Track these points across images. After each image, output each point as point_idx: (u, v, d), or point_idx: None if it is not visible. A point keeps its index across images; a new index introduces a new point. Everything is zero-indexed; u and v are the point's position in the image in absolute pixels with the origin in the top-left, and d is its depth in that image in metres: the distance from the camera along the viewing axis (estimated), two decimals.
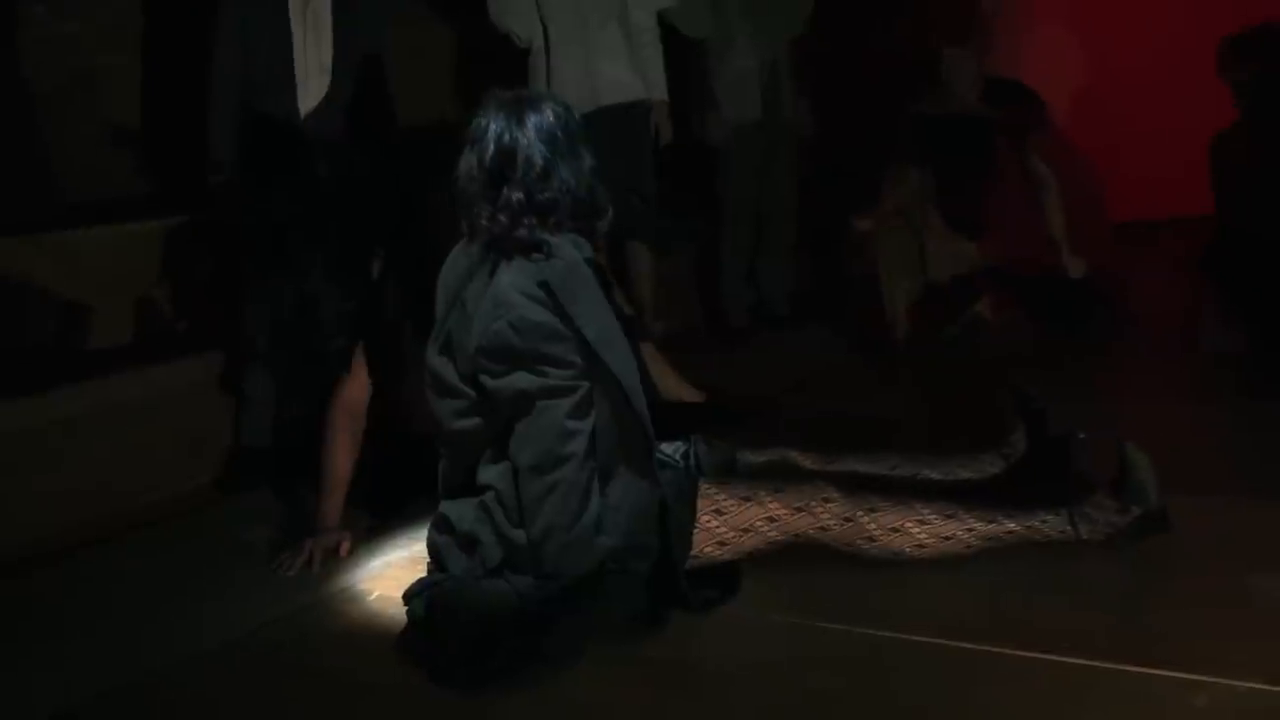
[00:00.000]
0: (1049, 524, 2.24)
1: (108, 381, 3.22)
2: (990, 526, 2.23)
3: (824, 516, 2.24)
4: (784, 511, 2.24)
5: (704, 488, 2.27)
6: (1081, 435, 2.47)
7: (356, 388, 2.74)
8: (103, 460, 3.11)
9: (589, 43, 3.51)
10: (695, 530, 2.23)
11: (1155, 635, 2.01)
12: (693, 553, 2.25)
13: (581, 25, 3.51)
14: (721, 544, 2.26)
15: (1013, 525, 2.23)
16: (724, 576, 2.28)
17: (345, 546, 2.70)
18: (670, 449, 2.41)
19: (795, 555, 2.30)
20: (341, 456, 2.72)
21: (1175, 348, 3.53)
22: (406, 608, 2.24)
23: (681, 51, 3.75)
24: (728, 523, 2.25)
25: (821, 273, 4.45)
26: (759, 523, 2.25)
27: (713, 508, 2.25)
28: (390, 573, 2.57)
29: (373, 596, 2.48)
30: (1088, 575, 2.24)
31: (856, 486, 2.28)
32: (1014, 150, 3.72)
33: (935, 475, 2.52)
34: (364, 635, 2.31)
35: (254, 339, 3.32)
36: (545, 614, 2.09)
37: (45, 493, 2.98)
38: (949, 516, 2.23)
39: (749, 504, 2.25)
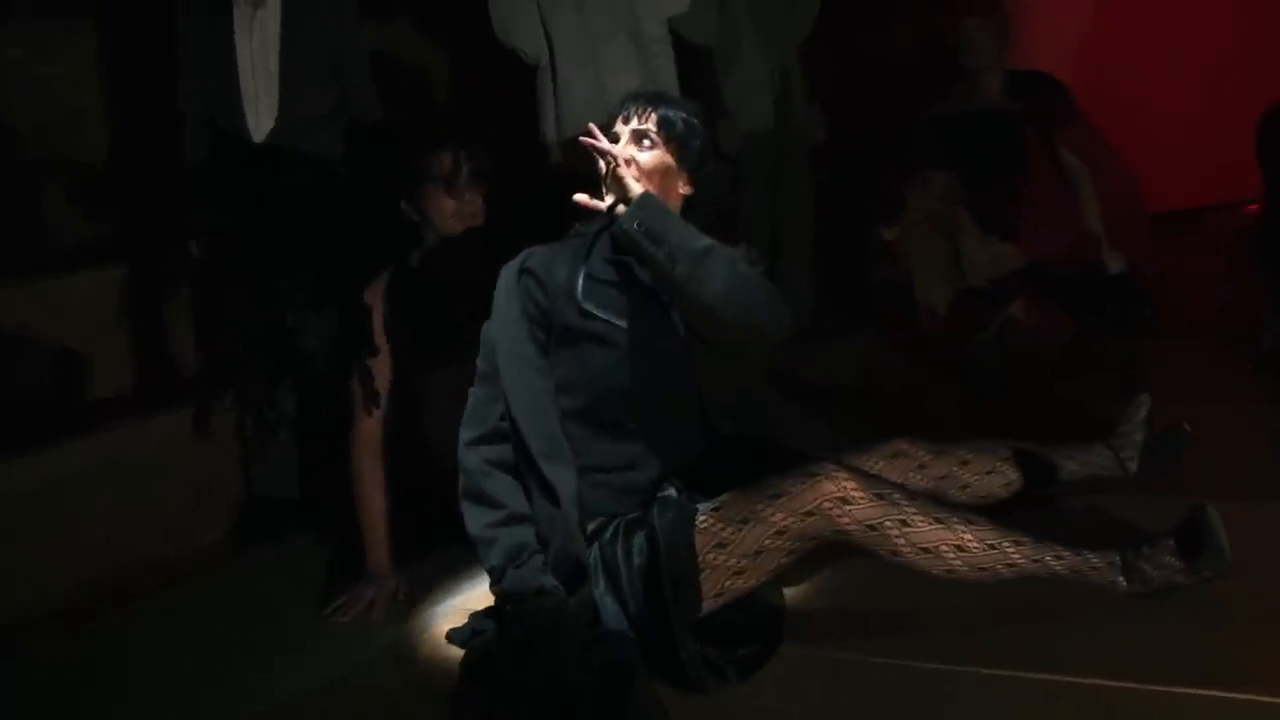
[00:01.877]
0: (1098, 571, 1.97)
1: (107, 434, 3.00)
2: (1034, 565, 1.96)
3: (843, 521, 1.94)
4: (791, 520, 1.95)
5: (700, 520, 2.00)
6: (1188, 428, 2.28)
7: (370, 421, 2.57)
8: (107, 517, 2.90)
9: (597, 58, 3.30)
10: (702, 573, 1.97)
11: (1224, 655, 1.83)
12: (708, 596, 1.99)
13: (588, 40, 3.30)
14: (738, 574, 2.00)
15: (1058, 568, 1.97)
16: (760, 624, 2.05)
17: (403, 590, 2.54)
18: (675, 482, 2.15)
19: (823, 574, 2.15)
20: (375, 495, 2.55)
21: (1222, 342, 3.32)
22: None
23: (686, 59, 3.56)
24: (735, 551, 1.98)
25: (844, 283, 4.21)
26: (768, 540, 1.97)
27: (713, 542, 1.98)
28: (454, 617, 2.35)
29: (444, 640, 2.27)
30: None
31: (886, 488, 1.98)
32: (1043, 144, 3.51)
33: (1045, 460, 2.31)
34: (446, 681, 2.09)
35: (251, 378, 3.10)
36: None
37: (48, 554, 2.76)
38: (991, 547, 1.95)
39: (750, 525, 1.97)
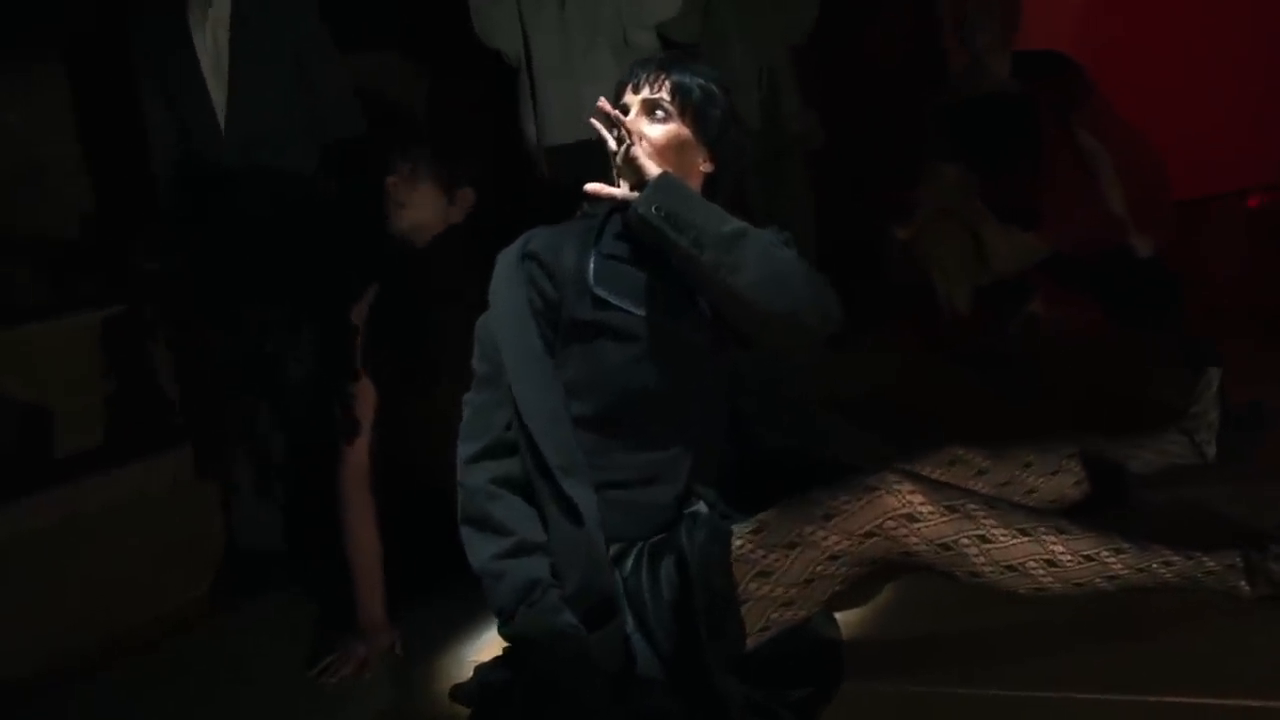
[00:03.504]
0: (1215, 576, 1.71)
1: (74, 488, 2.81)
2: (1139, 576, 1.69)
3: (910, 541, 1.68)
4: (847, 543, 1.70)
5: (737, 545, 1.75)
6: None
7: (358, 453, 2.40)
8: (75, 577, 2.70)
9: (574, 66, 3.09)
10: (744, 605, 1.73)
11: None
12: (751, 631, 1.74)
13: (566, 47, 3.10)
14: (785, 605, 1.74)
15: (1168, 575, 1.69)
16: (814, 660, 1.79)
17: (398, 645, 2.31)
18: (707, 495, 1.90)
19: (882, 594, 1.91)
20: (366, 538, 2.35)
21: (1264, 330, 3.05)
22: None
23: None
24: (781, 580, 1.73)
25: (855, 290, 3.90)
26: (819, 566, 1.72)
27: (755, 571, 1.72)
28: (458, 672, 2.11)
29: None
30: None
31: (957, 497, 1.71)
32: (1058, 126, 3.28)
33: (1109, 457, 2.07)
34: None
35: (227, 418, 2.95)
36: None
37: (7, 619, 2.55)
38: (1087, 558, 1.68)
39: (798, 549, 1.71)
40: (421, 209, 2.50)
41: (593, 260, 1.89)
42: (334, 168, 2.94)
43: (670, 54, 2.02)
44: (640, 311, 1.84)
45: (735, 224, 1.74)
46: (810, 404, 2.42)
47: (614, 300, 1.86)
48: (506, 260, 1.96)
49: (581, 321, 1.86)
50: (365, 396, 2.42)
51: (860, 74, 4.19)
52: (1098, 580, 1.67)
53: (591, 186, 1.79)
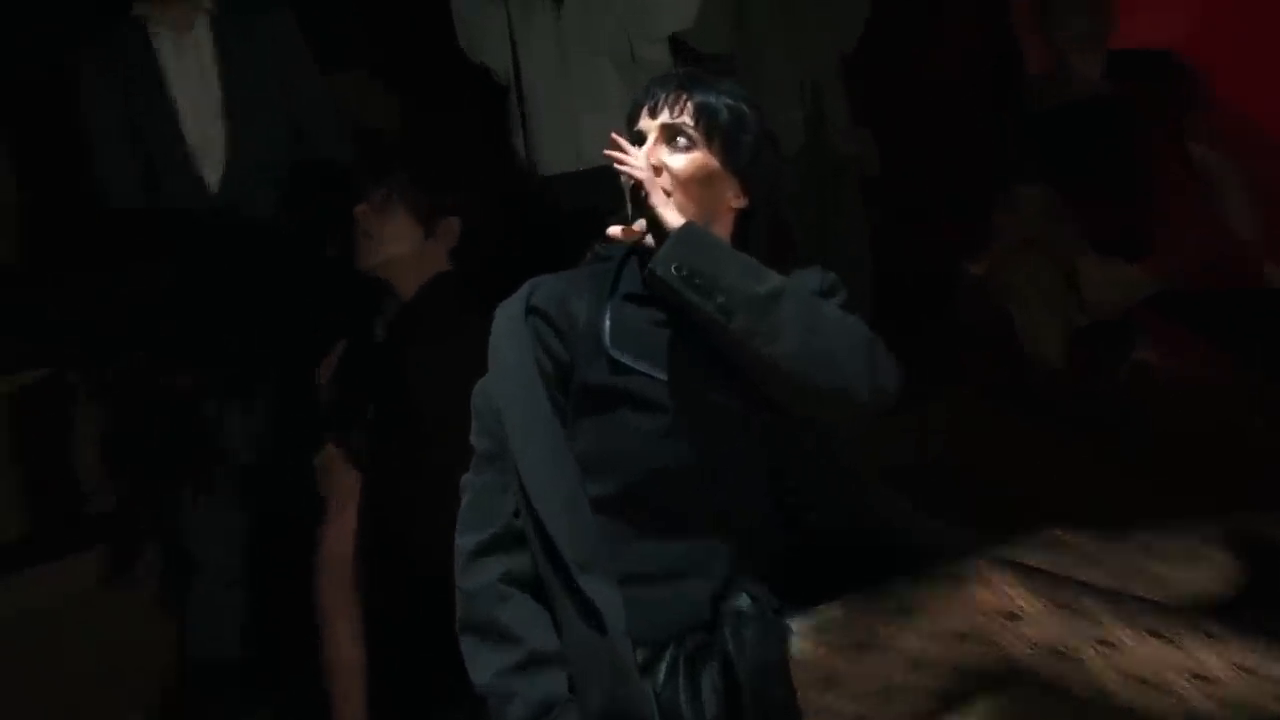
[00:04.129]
0: None
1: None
2: None
3: (1013, 645, 1.56)
4: (933, 647, 1.60)
5: (796, 645, 1.67)
6: None
7: (336, 543, 2.44)
8: None
9: (571, 84, 3.09)
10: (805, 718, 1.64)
11: None
12: None
13: (561, 60, 3.09)
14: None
15: None
16: None
17: None
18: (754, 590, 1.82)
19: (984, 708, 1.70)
20: (347, 647, 2.39)
21: None
22: None
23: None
24: (850, 690, 1.63)
25: (919, 339, 3.77)
26: (899, 675, 1.61)
27: (818, 676, 1.64)
28: None
29: None
30: None
31: (1070, 590, 1.60)
32: (1167, 138, 3.19)
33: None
34: None
35: (170, 502, 2.89)
36: None
37: None
38: (1249, 671, 1.51)
39: (871, 652, 1.62)
40: (395, 242, 2.49)
41: (608, 315, 1.85)
42: (300, 198, 2.96)
43: (691, 71, 1.98)
44: (664, 376, 1.79)
45: (771, 281, 1.70)
46: (870, 475, 2.28)
47: (633, 363, 1.81)
48: (509, 314, 1.90)
49: (596, 387, 1.81)
50: (339, 474, 2.43)
51: (921, 82, 4.02)
52: (1269, 703, 1.48)
53: (613, 231, 1.77)
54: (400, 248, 2.48)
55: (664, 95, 1.87)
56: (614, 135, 1.79)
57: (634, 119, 1.90)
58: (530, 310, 1.88)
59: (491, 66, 3.16)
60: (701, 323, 1.73)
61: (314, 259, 2.81)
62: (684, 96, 1.86)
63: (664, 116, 1.86)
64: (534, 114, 3.10)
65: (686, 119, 1.85)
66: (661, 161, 1.83)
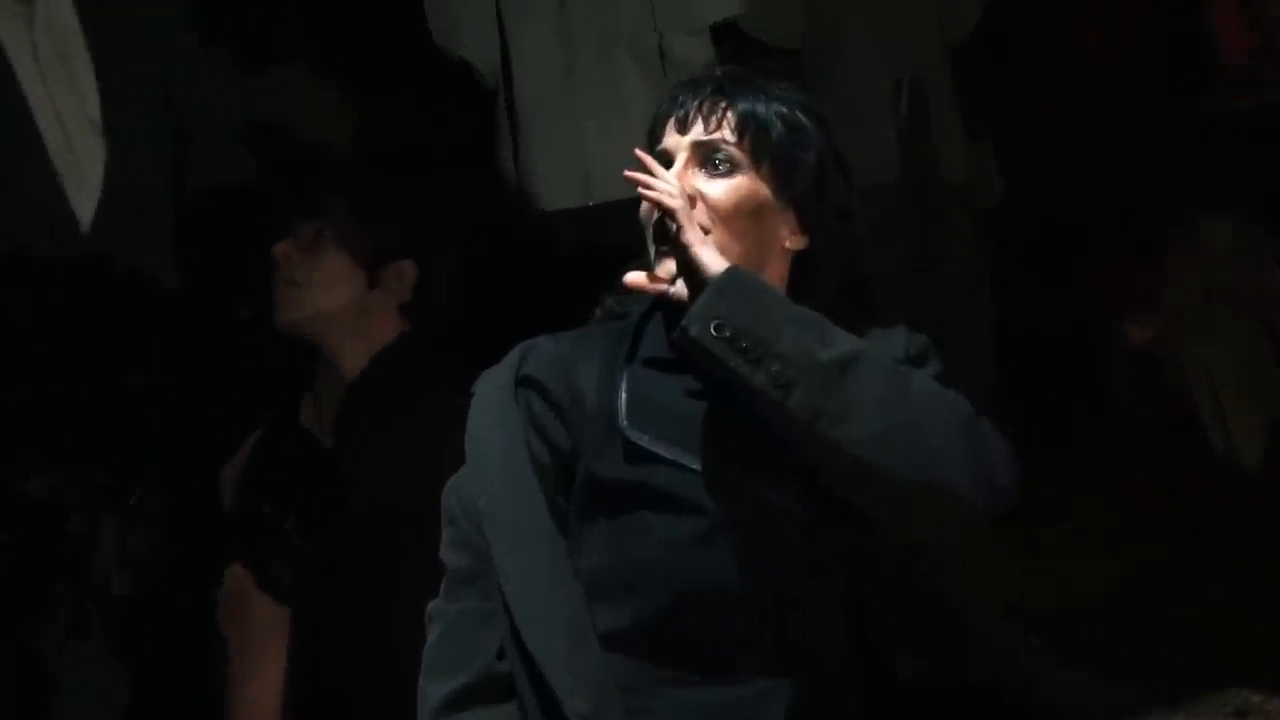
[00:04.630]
0: None
1: None
2: None
3: None
4: None
5: None
6: None
7: (253, 694, 2.34)
8: None
9: (578, 87, 2.98)
10: None
11: None
12: None
13: (567, 56, 2.98)
14: None
15: None
16: None
17: None
18: None
19: None
20: None
21: None
22: None
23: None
24: None
25: (1058, 425, 3.52)
26: None
27: None
28: None
29: None
30: None
31: None
32: None
33: None
34: None
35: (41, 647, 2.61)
36: None
37: None
38: None
39: None
40: (330, 292, 2.31)
41: (624, 387, 1.68)
42: (203, 236, 2.80)
43: (732, 70, 1.79)
44: (699, 465, 1.61)
45: (842, 345, 1.56)
46: (987, 610, 1.94)
47: (659, 448, 1.62)
48: (494, 386, 1.74)
49: (609, 483, 1.63)
50: (252, 608, 2.29)
51: (1064, 79, 3.73)
52: None
53: (632, 278, 1.61)
54: (336, 300, 2.31)
55: (697, 104, 1.71)
56: (638, 152, 1.66)
57: (657, 135, 1.75)
58: (522, 382, 1.71)
59: (473, 63, 3.04)
60: (750, 398, 1.59)
61: (219, 319, 2.68)
62: (723, 104, 1.70)
63: (697, 131, 1.68)
64: (528, 126, 3.02)
65: (727, 134, 1.68)
66: (695, 188, 1.68)
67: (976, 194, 3.52)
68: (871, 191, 3.35)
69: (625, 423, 1.67)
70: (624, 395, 1.70)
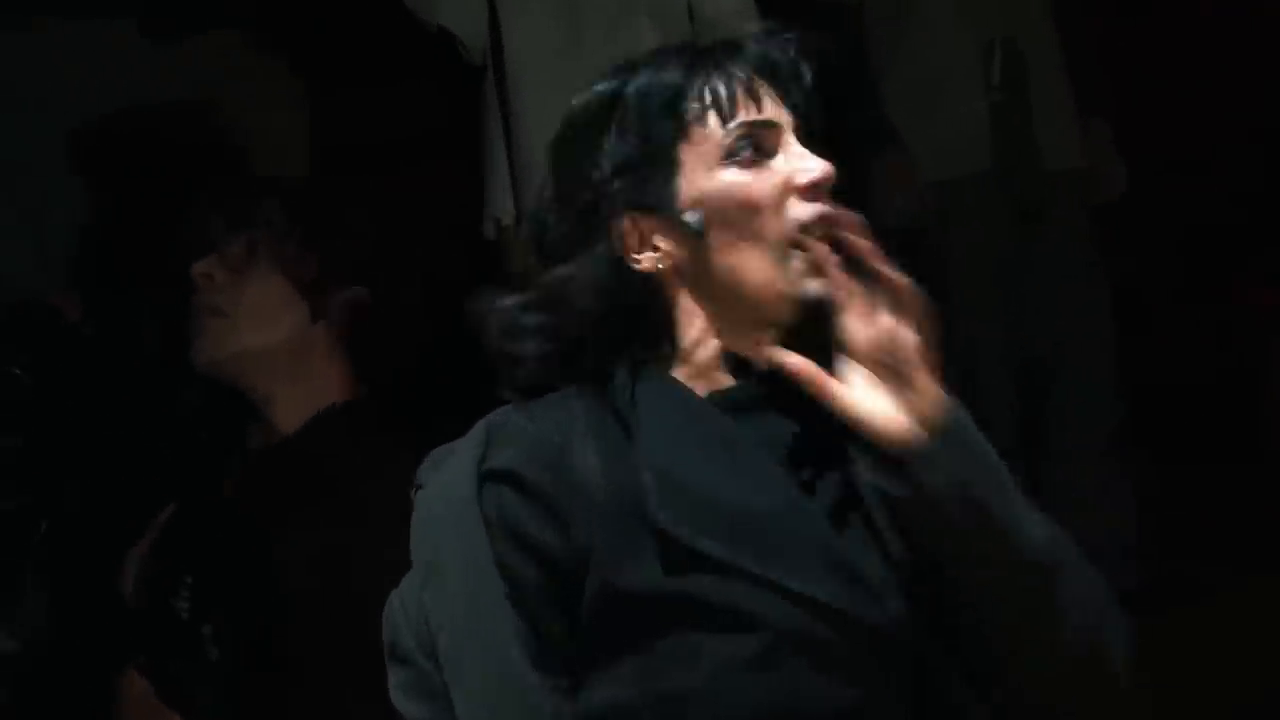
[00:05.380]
0: None
1: None
2: None
3: None
4: None
5: None
6: None
7: None
8: None
9: (585, 57, 2.68)
10: None
11: None
12: None
13: (572, 22, 2.72)
14: None
15: None
16: None
17: None
18: None
19: None
20: None
21: None
22: None
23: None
24: None
25: (1194, 480, 3.09)
26: None
27: None
28: None
29: None
30: None
31: None
32: None
33: None
34: None
35: None
36: None
37: None
38: None
39: None
40: (260, 324, 2.04)
41: (649, 462, 1.33)
42: (98, 256, 2.64)
43: (743, 35, 1.48)
44: (760, 568, 1.29)
45: (1039, 522, 1.26)
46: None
47: (708, 546, 1.29)
48: (447, 485, 1.41)
49: (639, 596, 1.30)
50: None
51: (1209, 43, 3.31)
52: None
53: (793, 362, 1.25)
54: (269, 335, 2.03)
55: (730, 80, 1.39)
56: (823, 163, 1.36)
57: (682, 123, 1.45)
58: (488, 478, 1.35)
59: (456, 33, 2.74)
60: (959, 584, 1.27)
61: (121, 359, 2.39)
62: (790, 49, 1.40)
63: (748, 114, 1.35)
64: (523, 110, 2.73)
65: (785, 113, 1.40)
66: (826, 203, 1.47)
67: (1091, 186, 3.20)
68: (956, 185, 3.15)
69: (657, 511, 1.33)
70: (651, 476, 1.34)
